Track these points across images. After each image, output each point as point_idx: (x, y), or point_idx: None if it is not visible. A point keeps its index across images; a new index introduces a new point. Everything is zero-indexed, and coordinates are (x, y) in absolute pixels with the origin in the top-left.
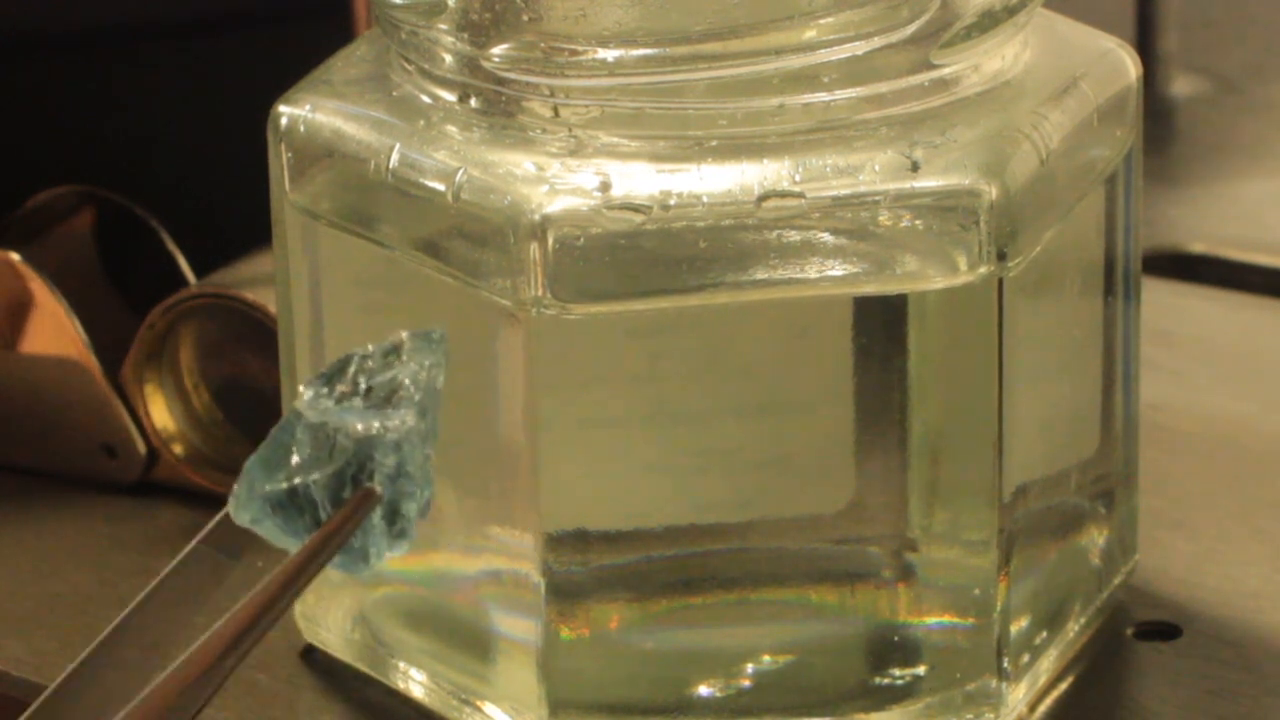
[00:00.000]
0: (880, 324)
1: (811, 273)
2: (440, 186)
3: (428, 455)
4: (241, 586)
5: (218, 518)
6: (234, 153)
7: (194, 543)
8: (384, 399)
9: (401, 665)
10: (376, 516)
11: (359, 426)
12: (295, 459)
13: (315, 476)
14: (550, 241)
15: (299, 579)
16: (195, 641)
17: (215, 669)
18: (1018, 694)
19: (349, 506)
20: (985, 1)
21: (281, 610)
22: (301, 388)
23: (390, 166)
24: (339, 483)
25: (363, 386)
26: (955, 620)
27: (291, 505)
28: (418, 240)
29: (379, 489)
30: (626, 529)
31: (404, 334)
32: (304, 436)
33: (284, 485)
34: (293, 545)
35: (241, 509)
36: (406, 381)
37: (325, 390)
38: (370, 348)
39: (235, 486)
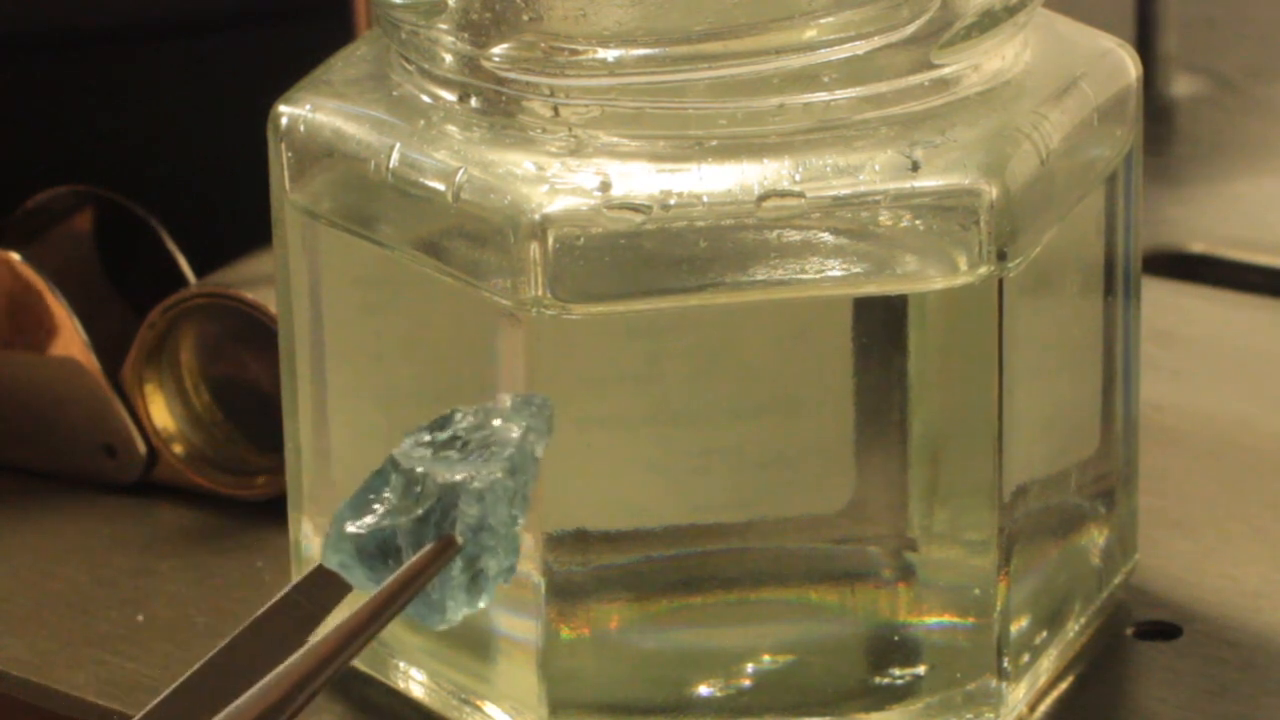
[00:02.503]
0: (880, 324)
1: (811, 273)
2: (440, 186)
3: (515, 518)
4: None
5: (313, 569)
6: (234, 153)
7: (286, 590)
8: (476, 452)
9: (401, 665)
10: (456, 569)
11: (445, 474)
12: (383, 505)
13: (400, 521)
14: (550, 241)
15: (372, 624)
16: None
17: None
18: (1018, 694)
19: (428, 553)
20: (985, 1)
21: (352, 654)
22: (405, 436)
23: (390, 166)
24: (423, 531)
25: (461, 440)
26: (955, 620)
27: (376, 551)
28: (418, 240)
29: (460, 539)
30: (626, 529)
31: (507, 396)
32: (396, 484)
33: (369, 529)
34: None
35: (331, 552)
36: (501, 438)
37: (425, 440)
38: (474, 408)
39: (328, 530)
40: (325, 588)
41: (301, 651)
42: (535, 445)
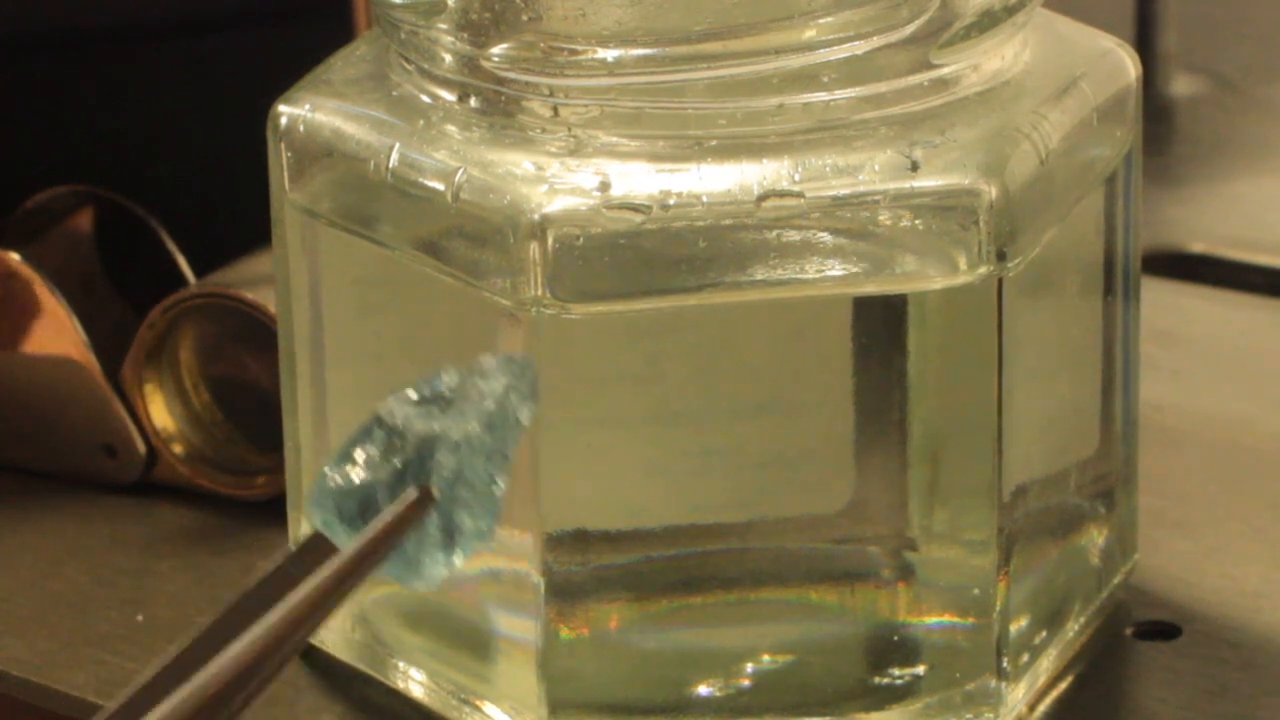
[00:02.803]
0: (880, 324)
1: (811, 272)
2: (440, 186)
3: (493, 477)
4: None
5: (304, 540)
6: (234, 153)
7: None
8: (456, 408)
9: (401, 665)
10: (432, 525)
11: (423, 427)
12: (363, 459)
13: (379, 475)
14: (550, 241)
15: (349, 579)
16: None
17: (256, 669)
18: (1017, 694)
19: (403, 505)
20: (985, 1)
21: (329, 610)
22: (390, 395)
23: (390, 166)
24: (401, 485)
25: (444, 398)
26: (955, 620)
27: (355, 505)
28: (417, 240)
29: (435, 492)
30: (626, 529)
31: (491, 356)
32: (378, 438)
33: (350, 485)
34: None
35: (315, 509)
36: (480, 392)
37: (410, 398)
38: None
39: (312, 486)
40: (319, 556)
41: (279, 607)
42: (518, 408)
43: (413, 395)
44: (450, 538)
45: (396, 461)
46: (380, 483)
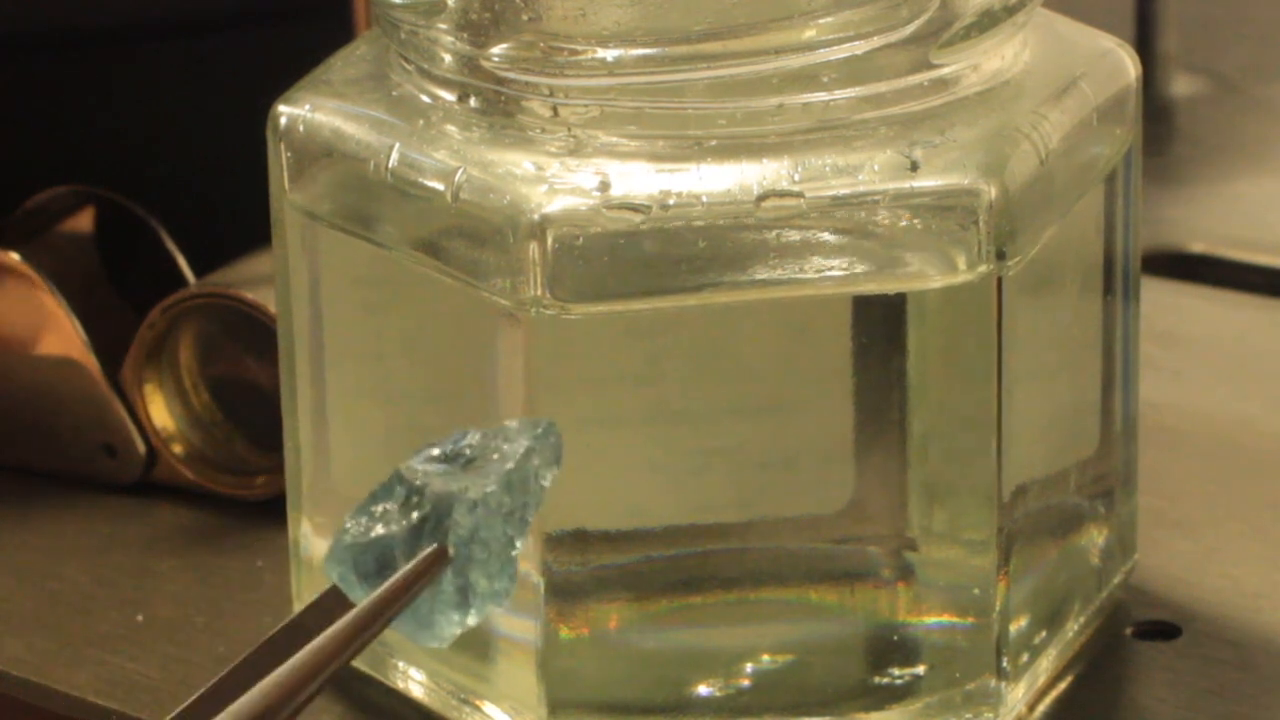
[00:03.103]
0: (880, 323)
1: (811, 272)
2: (440, 186)
3: (512, 539)
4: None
5: (323, 592)
6: (233, 153)
7: (296, 614)
8: (477, 467)
9: (401, 665)
10: (447, 583)
11: (442, 485)
12: (381, 515)
13: (394, 530)
14: (549, 241)
15: (362, 635)
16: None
17: None
18: (1017, 693)
19: (419, 564)
20: (984, 1)
21: (341, 664)
22: (414, 453)
23: (390, 166)
24: (417, 542)
25: (465, 458)
26: (955, 620)
27: (374, 565)
28: (417, 240)
29: (451, 550)
30: (626, 529)
31: (515, 421)
32: (398, 495)
33: (366, 540)
34: None
35: (332, 563)
36: (501, 453)
37: (433, 455)
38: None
39: (331, 542)
40: (333, 610)
41: (290, 662)
42: (541, 471)
43: (435, 453)
44: (465, 597)
45: (414, 519)
46: (397, 539)
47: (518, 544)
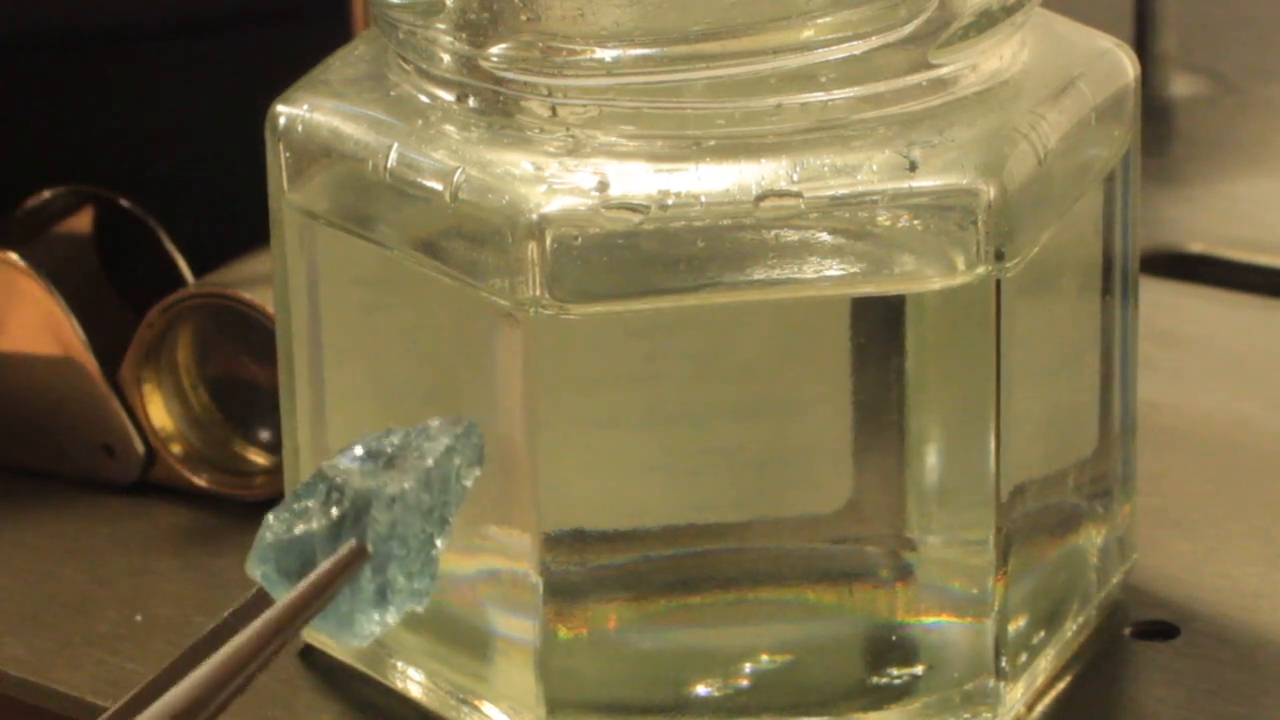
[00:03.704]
0: (878, 324)
1: (809, 272)
2: (438, 186)
3: (431, 536)
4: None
5: (247, 596)
6: (233, 153)
7: (224, 615)
8: (397, 465)
9: (400, 665)
10: (366, 581)
11: (361, 482)
12: (302, 512)
13: (315, 527)
14: (548, 241)
15: (280, 633)
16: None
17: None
18: (1015, 693)
19: (337, 561)
20: (983, 1)
21: (263, 664)
22: (338, 452)
23: (388, 166)
24: (337, 540)
25: (387, 456)
26: (953, 620)
27: (292, 558)
28: (416, 240)
29: (370, 547)
30: (624, 529)
31: (437, 419)
32: (319, 493)
33: (286, 537)
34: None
35: (255, 562)
36: (422, 451)
37: (356, 454)
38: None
39: (255, 539)
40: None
41: (206, 664)
42: (462, 470)
43: (358, 451)
44: (384, 595)
45: (334, 515)
46: (318, 537)
47: (438, 542)
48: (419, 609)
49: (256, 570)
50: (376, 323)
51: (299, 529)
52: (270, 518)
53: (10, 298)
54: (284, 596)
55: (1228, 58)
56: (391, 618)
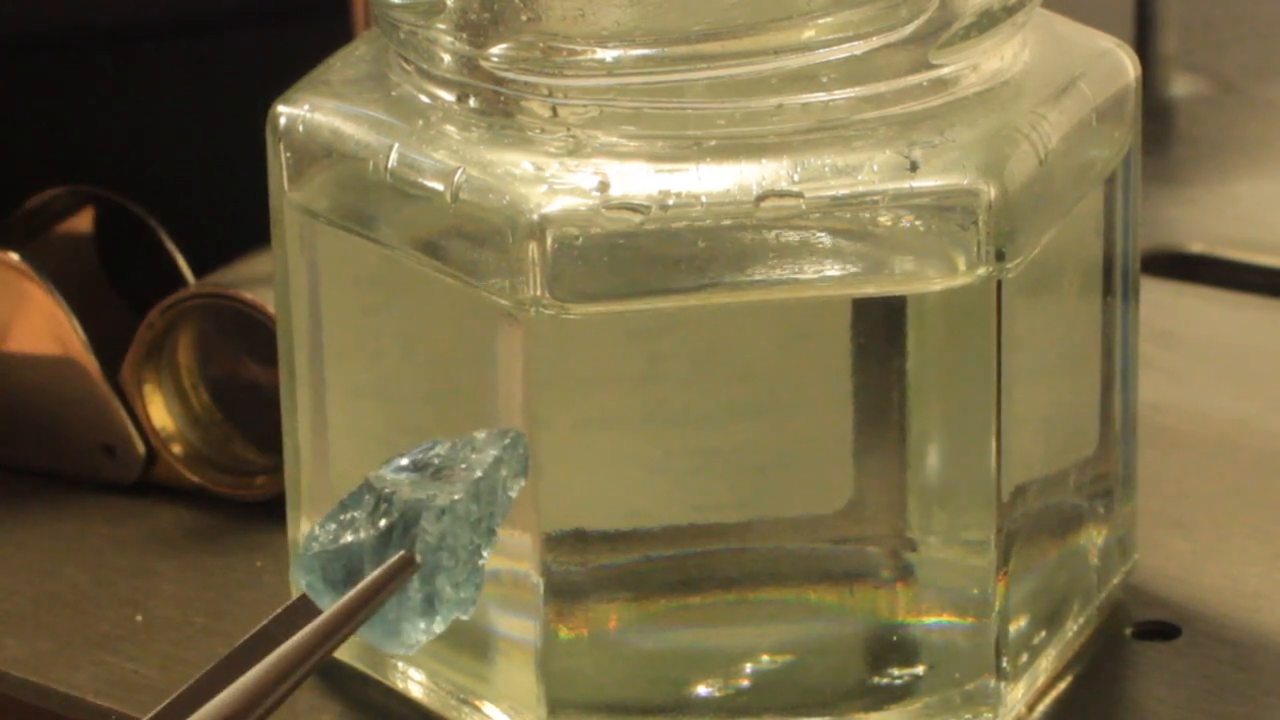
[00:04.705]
0: (879, 324)
1: (810, 273)
2: (439, 186)
3: (479, 547)
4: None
5: (291, 601)
6: (233, 153)
7: (264, 623)
8: (445, 476)
9: (400, 665)
10: (414, 591)
11: (410, 493)
12: (349, 522)
13: (363, 537)
14: (549, 241)
15: (328, 641)
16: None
17: None
18: (1016, 693)
19: (386, 570)
20: (984, 1)
21: (308, 672)
22: (384, 463)
23: (389, 166)
24: (385, 550)
25: (434, 467)
26: (954, 620)
27: (343, 573)
28: (416, 240)
29: (418, 557)
30: (625, 529)
31: (481, 432)
32: (367, 503)
33: (334, 547)
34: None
35: (299, 571)
36: (469, 463)
37: (403, 465)
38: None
39: (299, 549)
40: (301, 618)
41: (255, 668)
42: (508, 481)
43: (404, 462)
44: (431, 605)
45: (382, 526)
46: (365, 547)
47: (484, 553)
48: (464, 617)
49: (302, 579)
50: (377, 323)
51: (346, 539)
52: (315, 528)
53: (11, 298)
54: (332, 605)
55: (1228, 58)
56: (439, 627)
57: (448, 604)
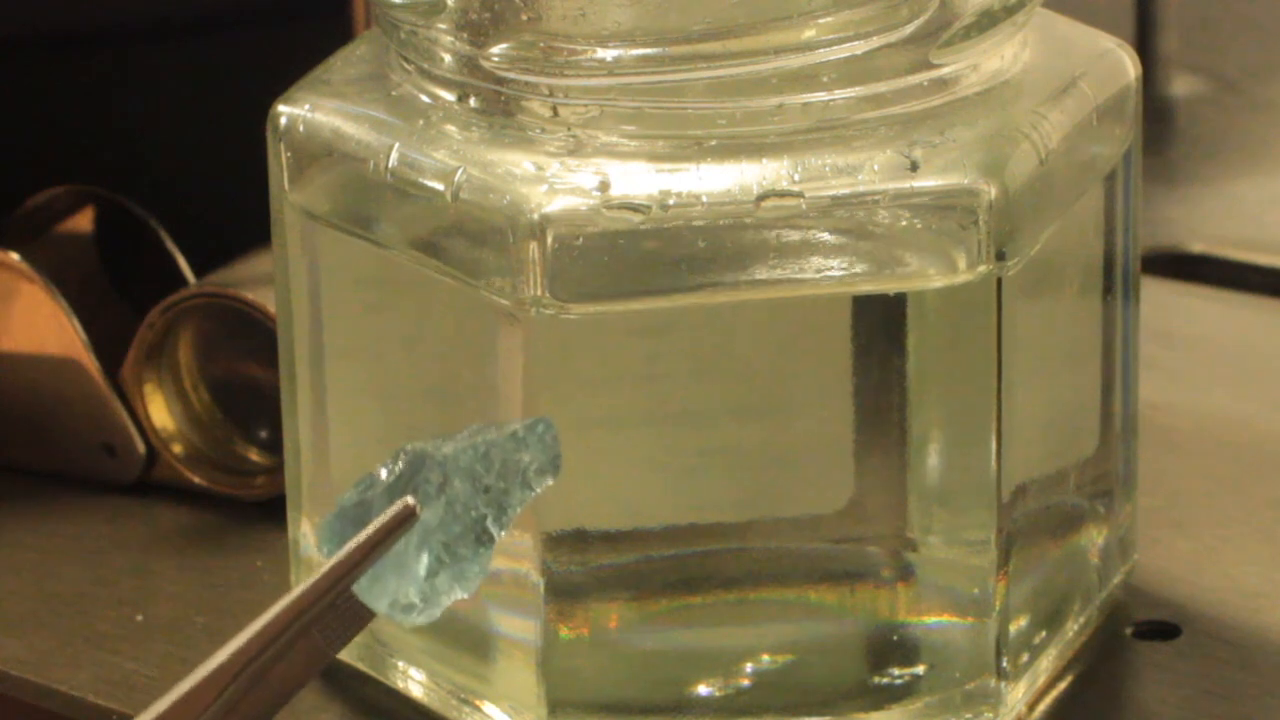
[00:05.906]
0: (879, 323)
1: (810, 272)
2: (439, 186)
3: (484, 515)
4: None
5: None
6: (234, 153)
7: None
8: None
9: (401, 664)
10: (412, 548)
11: (418, 446)
12: (367, 484)
13: (374, 493)
14: (549, 241)
15: (331, 589)
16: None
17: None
18: (1017, 693)
19: (387, 519)
20: (984, 1)
21: (311, 620)
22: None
23: (389, 166)
24: (390, 501)
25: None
26: (954, 620)
27: (350, 526)
28: (417, 240)
29: (417, 506)
30: (625, 529)
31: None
32: (387, 465)
33: (352, 503)
34: None
35: (323, 539)
36: (491, 438)
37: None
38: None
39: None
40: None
41: (255, 624)
42: (531, 470)
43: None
44: (431, 568)
45: (391, 478)
46: (375, 502)
47: (491, 528)
48: (464, 595)
49: (324, 547)
50: (377, 322)
51: (364, 496)
52: (338, 499)
53: (11, 298)
54: (336, 554)
55: (1228, 58)
56: (439, 596)
57: (446, 568)
